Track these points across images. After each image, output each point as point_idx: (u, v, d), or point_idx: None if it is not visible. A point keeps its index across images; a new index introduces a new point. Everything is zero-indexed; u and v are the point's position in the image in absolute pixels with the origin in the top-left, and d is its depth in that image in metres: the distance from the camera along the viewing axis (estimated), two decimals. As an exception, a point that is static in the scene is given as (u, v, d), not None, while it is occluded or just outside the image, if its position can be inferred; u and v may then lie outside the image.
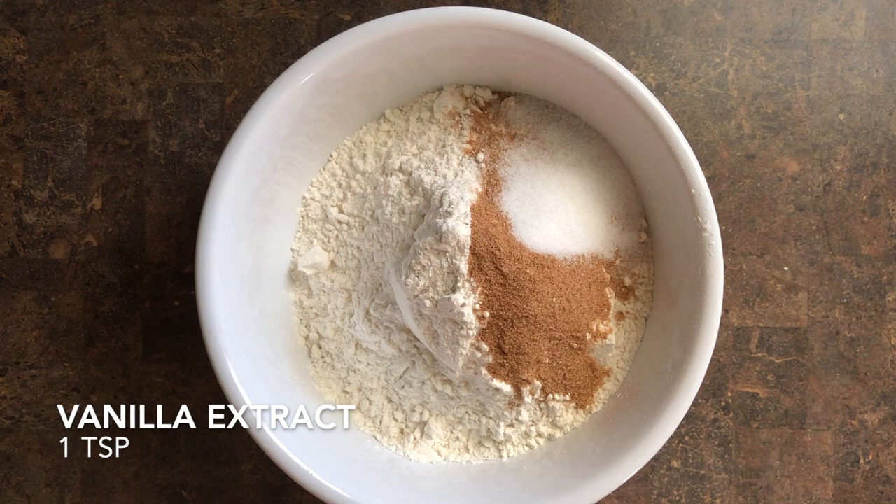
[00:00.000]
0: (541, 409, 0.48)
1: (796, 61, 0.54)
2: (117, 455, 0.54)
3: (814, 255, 0.54)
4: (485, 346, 0.45)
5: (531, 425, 0.48)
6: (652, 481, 0.54)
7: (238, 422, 0.44)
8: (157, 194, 0.54)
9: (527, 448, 0.49)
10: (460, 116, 0.49)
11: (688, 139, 0.44)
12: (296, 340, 0.50)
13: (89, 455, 0.54)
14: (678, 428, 0.52)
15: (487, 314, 0.44)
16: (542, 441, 0.49)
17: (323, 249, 0.50)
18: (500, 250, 0.44)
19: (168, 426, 0.54)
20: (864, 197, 0.54)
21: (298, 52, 0.54)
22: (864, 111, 0.54)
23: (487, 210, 0.45)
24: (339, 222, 0.49)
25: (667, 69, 0.54)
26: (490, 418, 0.48)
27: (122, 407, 0.54)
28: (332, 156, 0.50)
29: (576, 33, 0.43)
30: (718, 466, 0.54)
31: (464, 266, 0.43)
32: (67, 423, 0.54)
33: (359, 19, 0.54)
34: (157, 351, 0.54)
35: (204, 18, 0.54)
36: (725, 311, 0.54)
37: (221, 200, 0.43)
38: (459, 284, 0.43)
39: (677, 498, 0.54)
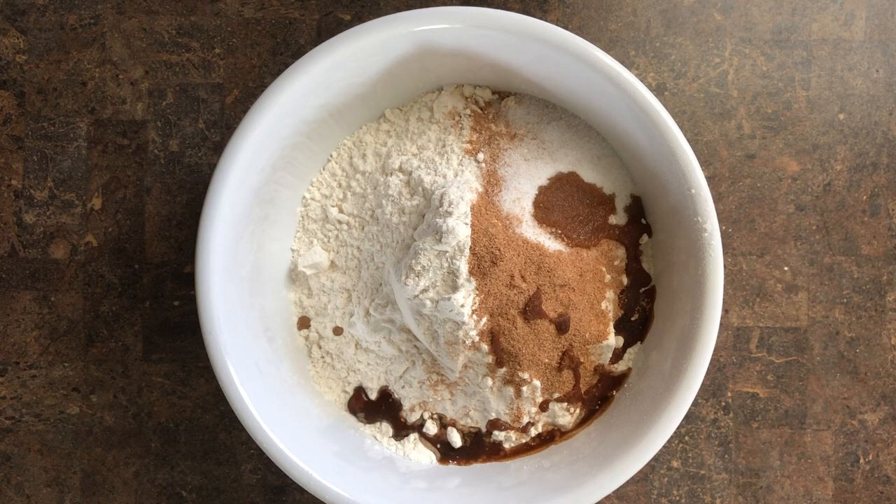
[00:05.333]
0: (540, 409, 0.48)
1: (796, 61, 0.54)
2: (117, 455, 0.54)
3: (814, 255, 0.54)
4: (484, 347, 0.45)
5: (531, 425, 0.48)
6: (652, 481, 0.54)
7: (238, 422, 0.44)
8: (157, 194, 0.54)
9: (526, 448, 0.49)
10: (460, 116, 0.49)
11: (688, 139, 0.44)
12: (296, 340, 0.50)
13: (89, 455, 0.54)
14: (678, 428, 0.52)
15: (487, 314, 0.44)
16: (541, 441, 0.49)
17: (323, 249, 0.50)
18: (499, 250, 0.44)
19: (168, 426, 0.54)
20: (864, 197, 0.54)
21: (298, 52, 0.54)
22: (864, 111, 0.54)
23: (487, 210, 0.45)
24: (339, 222, 0.49)
25: (667, 69, 0.54)
26: (490, 418, 0.48)
27: (122, 407, 0.54)
28: (332, 156, 0.50)
29: (576, 33, 0.43)
30: (718, 466, 0.54)
31: (464, 266, 0.43)
32: (68, 423, 0.54)
33: (359, 19, 0.54)
34: (157, 351, 0.54)
35: (204, 18, 0.54)
36: (725, 311, 0.54)
37: (221, 200, 0.43)
38: (459, 284, 0.43)
39: (677, 498, 0.54)
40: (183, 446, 0.54)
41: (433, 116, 0.49)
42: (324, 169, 0.50)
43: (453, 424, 0.49)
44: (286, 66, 0.49)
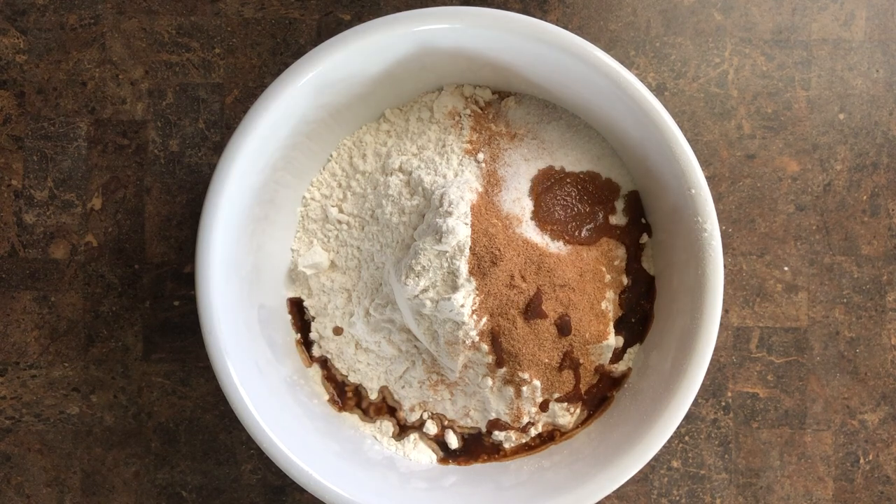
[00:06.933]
0: (540, 409, 0.48)
1: (796, 61, 0.54)
2: (117, 455, 0.54)
3: (814, 255, 0.54)
4: (484, 346, 0.45)
5: (531, 425, 0.48)
6: (652, 481, 0.54)
7: (238, 422, 0.44)
8: (157, 194, 0.54)
9: (526, 448, 0.49)
10: (460, 116, 0.49)
11: (688, 139, 0.44)
12: (296, 340, 0.50)
13: (89, 455, 0.54)
14: (678, 428, 0.52)
15: (487, 314, 0.44)
16: (541, 441, 0.49)
17: (323, 249, 0.50)
18: (499, 250, 0.44)
19: (168, 426, 0.54)
20: (864, 197, 0.54)
21: (298, 52, 0.54)
22: (864, 111, 0.54)
23: (487, 210, 0.45)
24: (339, 222, 0.49)
25: (667, 69, 0.54)
26: (490, 418, 0.48)
27: (122, 407, 0.54)
28: (332, 156, 0.50)
29: (576, 33, 0.43)
30: (718, 466, 0.54)
31: (464, 266, 0.43)
32: (68, 423, 0.54)
33: (359, 19, 0.54)
34: (157, 351, 0.54)
35: (204, 18, 0.54)
36: (725, 311, 0.54)
37: (221, 200, 0.44)
38: (459, 284, 0.43)
39: (677, 498, 0.54)
40: (183, 446, 0.54)
41: (433, 116, 0.49)
42: (324, 169, 0.50)
43: (452, 427, 0.49)
44: (286, 66, 0.49)
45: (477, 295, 0.44)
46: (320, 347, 0.50)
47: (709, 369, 0.45)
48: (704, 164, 0.54)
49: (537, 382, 0.46)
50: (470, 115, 0.49)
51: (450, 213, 0.43)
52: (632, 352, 0.49)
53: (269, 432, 0.44)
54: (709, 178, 0.54)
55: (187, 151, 0.54)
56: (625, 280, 0.49)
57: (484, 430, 0.49)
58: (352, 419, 0.50)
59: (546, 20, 0.45)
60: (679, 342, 0.45)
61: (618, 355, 0.49)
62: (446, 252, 0.43)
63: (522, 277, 0.45)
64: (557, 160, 0.49)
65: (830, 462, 0.54)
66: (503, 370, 0.46)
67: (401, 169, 0.48)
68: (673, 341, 0.46)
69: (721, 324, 0.45)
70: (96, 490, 0.54)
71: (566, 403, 0.48)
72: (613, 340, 0.48)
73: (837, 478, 0.54)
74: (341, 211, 0.50)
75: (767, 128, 0.54)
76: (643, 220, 0.49)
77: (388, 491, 0.45)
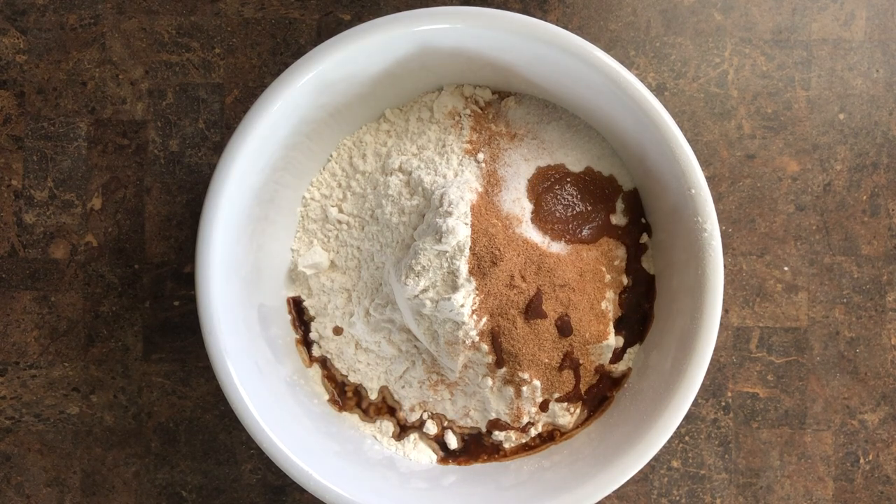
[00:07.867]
0: (540, 409, 0.48)
1: (796, 61, 0.54)
2: (117, 455, 0.54)
3: (814, 255, 0.54)
4: (484, 346, 0.45)
5: (531, 425, 0.48)
6: (652, 481, 0.54)
7: (238, 422, 0.44)
8: (157, 194, 0.54)
9: (526, 448, 0.49)
10: (460, 116, 0.49)
11: (688, 139, 0.44)
12: (296, 340, 0.50)
13: (89, 455, 0.54)
14: (678, 428, 0.52)
15: (487, 314, 0.44)
16: (541, 441, 0.49)
17: (323, 249, 0.50)
18: (499, 250, 0.44)
19: (168, 426, 0.54)
20: (864, 197, 0.54)
21: (298, 52, 0.54)
22: (864, 111, 0.54)
23: (487, 210, 0.45)
24: (339, 222, 0.49)
25: (667, 69, 0.54)
26: (490, 418, 0.48)
27: (122, 407, 0.54)
28: (332, 156, 0.50)
29: (576, 33, 0.43)
30: (718, 466, 0.54)
31: (464, 266, 0.43)
32: (68, 423, 0.54)
33: (359, 19, 0.54)
34: (157, 351, 0.54)
35: (204, 18, 0.54)
36: (725, 311, 0.54)
37: (221, 200, 0.44)
38: (459, 284, 0.43)
39: (677, 498, 0.54)
40: (183, 446, 0.54)
41: (433, 116, 0.49)
42: (324, 169, 0.50)
43: (452, 427, 0.49)
44: (286, 66, 0.49)
45: (477, 295, 0.44)
46: (320, 347, 0.50)
47: (709, 369, 0.45)
48: (704, 164, 0.54)
49: (537, 382, 0.46)
50: (470, 115, 0.49)
51: (450, 213, 0.43)
52: (632, 352, 0.49)
53: (269, 432, 0.44)
54: (709, 178, 0.54)
55: (187, 151, 0.54)
56: (625, 280, 0.49)
57: (484, 430, 0.49)
58: (352, 419, 0.50)
59: (546, 20, 0.45)
60: (679, 342, 0.45)
61: (618, 355, 0.49)
62: (446, 252, 0.43)
63: (522, 277, 0.45)
64: (557, 160, 0.49)
65: (830, 462, 0.54)
66: (503, 370, 0.46)
67: (401, 169, 0.48)
68: (673, 341, 0.46)
69: (721, 324, 0.44)
70: (96, 490, 0.54)
71: (566, 403, 0.48)
72: (613, 340, 0.48)
73: (837, 478, 0.54)
74: (341, 211, 0.50)
75: (767, 128, 0.54)
76: (643, 220, 0.49)
77: (388, 491, 0.45)
